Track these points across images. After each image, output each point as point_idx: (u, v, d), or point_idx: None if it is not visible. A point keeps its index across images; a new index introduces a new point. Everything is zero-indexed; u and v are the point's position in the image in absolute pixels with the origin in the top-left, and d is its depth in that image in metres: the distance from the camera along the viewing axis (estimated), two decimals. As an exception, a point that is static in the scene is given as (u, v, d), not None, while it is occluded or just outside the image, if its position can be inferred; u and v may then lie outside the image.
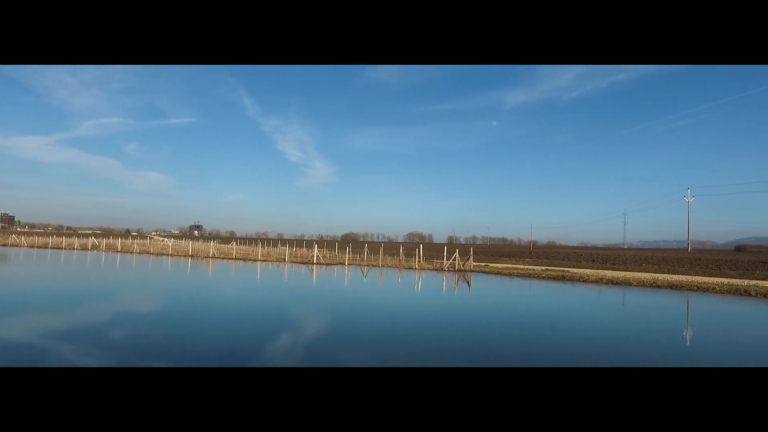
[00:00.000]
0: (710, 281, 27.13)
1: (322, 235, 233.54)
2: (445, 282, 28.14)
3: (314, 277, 28.82)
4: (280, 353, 9.75)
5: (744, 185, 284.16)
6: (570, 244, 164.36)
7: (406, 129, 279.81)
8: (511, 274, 33.86)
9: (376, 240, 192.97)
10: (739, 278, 30.20)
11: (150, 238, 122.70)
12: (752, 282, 26.94)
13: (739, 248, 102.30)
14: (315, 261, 43.35)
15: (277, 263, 41.77)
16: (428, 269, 38.52)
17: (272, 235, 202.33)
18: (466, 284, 27.36)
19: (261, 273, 31.43)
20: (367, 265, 40.91)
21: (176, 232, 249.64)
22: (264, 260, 44.91)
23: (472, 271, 37.54)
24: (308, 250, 56.62)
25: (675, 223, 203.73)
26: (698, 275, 32.76)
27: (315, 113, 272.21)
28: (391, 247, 69.51)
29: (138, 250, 57.46)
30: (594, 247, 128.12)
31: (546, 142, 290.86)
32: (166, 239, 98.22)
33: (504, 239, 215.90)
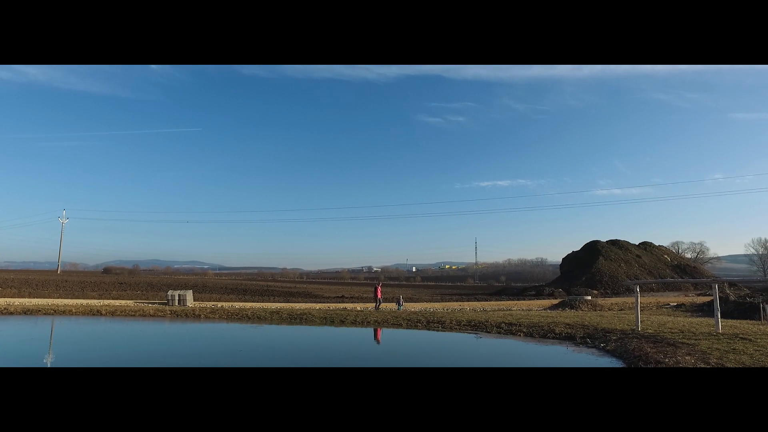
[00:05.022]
0: (70, 303, 28.79)
1: None
2: None
3: None
4: None
5: (119, 213, 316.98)
6: None
7: None
8: None
9: None
10: (98, 299, 33.85)
11: None
12: (107, 302, 30.98)
13: (107, 270, 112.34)
14: None
15: None
16: None
17: None
18: None
19: None
20: None
21: None
22: None
23: None
24: None
25: (50, 244, 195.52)
26: (61, 297, 33.76)
27: None
28: None
29: None
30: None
31: None
32: None
33: None
